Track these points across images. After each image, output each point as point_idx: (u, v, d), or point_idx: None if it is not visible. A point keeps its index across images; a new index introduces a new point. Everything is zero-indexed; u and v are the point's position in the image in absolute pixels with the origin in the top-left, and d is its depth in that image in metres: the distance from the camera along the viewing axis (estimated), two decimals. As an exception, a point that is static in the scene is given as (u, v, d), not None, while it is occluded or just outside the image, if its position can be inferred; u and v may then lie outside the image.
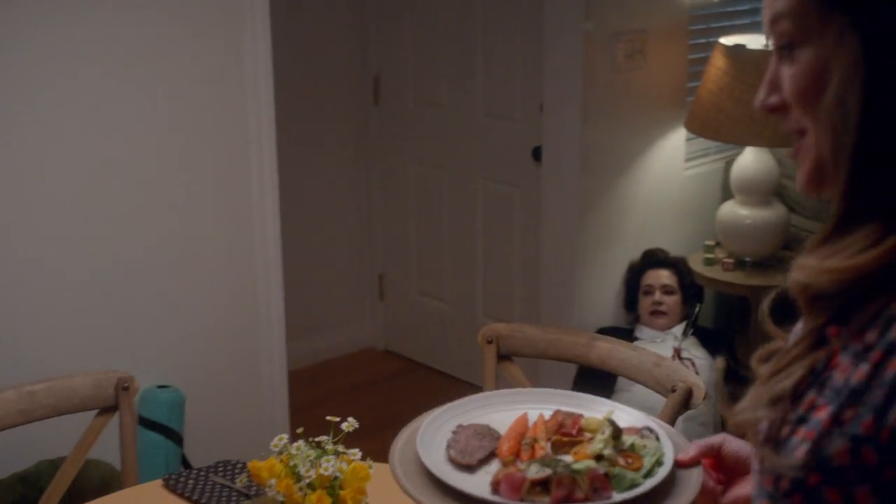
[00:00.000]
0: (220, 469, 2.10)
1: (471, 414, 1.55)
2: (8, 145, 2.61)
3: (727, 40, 3.69)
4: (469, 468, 1.41)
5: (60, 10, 2.63)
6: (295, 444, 1.69)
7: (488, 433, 1.48)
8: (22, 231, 2.66)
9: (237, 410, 3.07)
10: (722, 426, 3.61)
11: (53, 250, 2.71)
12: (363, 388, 4.45)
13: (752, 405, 0.94)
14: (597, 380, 3.65)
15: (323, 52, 4.44)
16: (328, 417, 1.74)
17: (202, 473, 2.08)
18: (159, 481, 2.07)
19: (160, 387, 2.83)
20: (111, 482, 2.56)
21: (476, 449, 1.43)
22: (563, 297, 3.82)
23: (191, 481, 2.06)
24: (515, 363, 2.49)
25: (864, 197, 0.88)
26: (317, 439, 1.70)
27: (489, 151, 4.16)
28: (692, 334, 3.77)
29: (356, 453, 1.69)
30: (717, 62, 3.64)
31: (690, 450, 1.32)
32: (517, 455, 1.43)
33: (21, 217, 2.65)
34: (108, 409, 2.27)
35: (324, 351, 4.69)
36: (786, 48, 0.92)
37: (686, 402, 2.22)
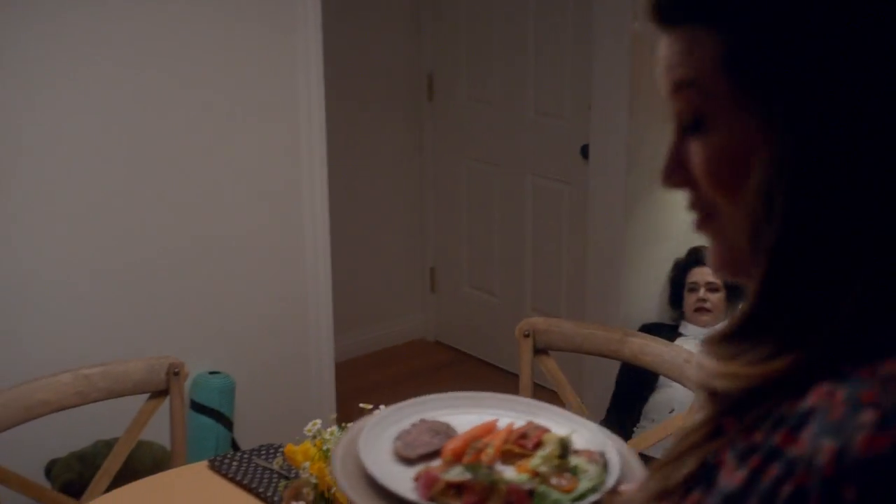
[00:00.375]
0: (263, 452, 2.20)
1: (442, 411, 1.56)
2: (72, 141, 2.74)
3: (775, 41, 3.72)
4: (409, 461, 1.42)
5: (116, 7, 2.75)
6: (329, 430, 1.78)
7: (444, 431, 1.49)
8: (82, 224, 2.79)
9: (286, 397, 3.18)
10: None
11: (112, 243, 2.84)
12: (413, 378, 4.55)
13: (639, 497, 0.84)
14: (639, 376, 3.71)
15: (379, 50, 4.54)
16: (361, 405, 1.84)
17: (245, 456, 2.19)
18: (205, 462, 2.18)
19: (212, 373, 2.95)
20: (163, 462, 2.68)
21: (422, 444, 1.44)
22: (608, 292, 3.88)
23: (234, 463, 2.17)
24: (552, 357, 2.57)
25: (778, 300, 0.77)
26: (349, 425, 1.79)
27: (539, 149, 4.23)
28: (736, 332, 3.81)
29: (386, 439, 1.77)
30: (765, 63, 3.67)
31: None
32: (460, 457, 1.42)
33: (82, 211, 2.78)
34: (159, 393, 2.38)
35: (376, 341, 4.80)
36: (692, 124, 0.79)
37: (714, 397, 2.28)
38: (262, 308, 3.11)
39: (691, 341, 3.78)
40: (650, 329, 3.92)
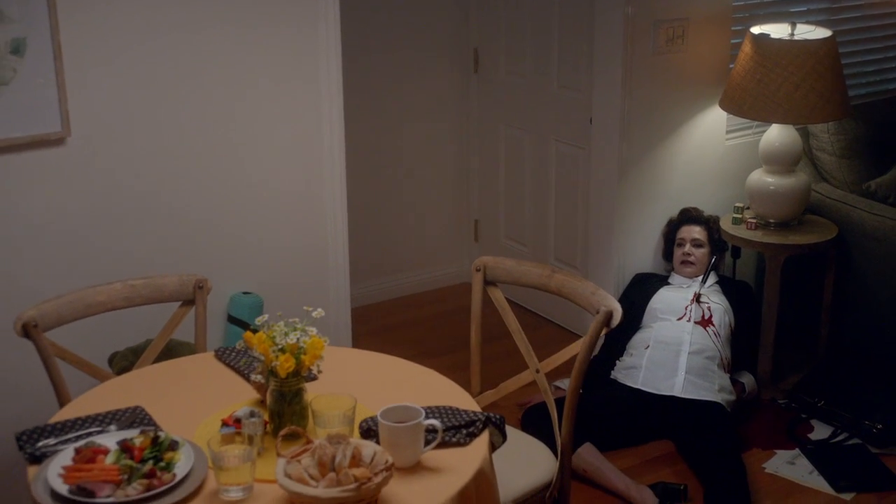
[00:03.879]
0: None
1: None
2: (156, 111, 3.45)
3: (756, 29, 4.23)
4: None
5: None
6: (278, 323, 2.47)
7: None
8: (149, 168, 3.51)
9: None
10: (728, 362, 4.20)
11: (172, 183, 3.55)
12: (454, 315, 5.21)
13: None
14: (627, 319, 4.30)
15: (433, 28, 5.19)
16: (305, 308, 2.52)
17: (242, 350, 2.87)
18: (212, 353, 2.90)
19: (245, 293, 3.67)
20: (198, 359, 3.40)
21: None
22: (604, 244, 4.48)
23: (233, 354, 2.87)
24: (499, 288, 3.21)
25: None
26: (291, 320, 2.47)
27: (560, 118, 4.83)
28: (716, 283, 4.37)
29: (313, 331, 2.45)
30: (746, 48, 4.19)
31: None
32: None
33: (148, 158, 3.50)
34: (188, 302, 3.11)
35: (427, 283, 5.50)
36: None
37: (608, 321, 2.88)
38: (288, 247, 3.76)
39: (675, 289, 4.36)
40: (643, 277, 4.52)
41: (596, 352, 4.38)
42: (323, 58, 3.66)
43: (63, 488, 2.22)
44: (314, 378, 2.69)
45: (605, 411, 4.07)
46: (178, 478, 2.26)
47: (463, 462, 2.37)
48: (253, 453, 2.26)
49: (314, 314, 2.53)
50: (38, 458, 2.37)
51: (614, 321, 2.90)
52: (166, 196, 3.52)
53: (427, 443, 2.38)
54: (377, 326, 5.00)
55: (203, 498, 2.25)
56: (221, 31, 3.48)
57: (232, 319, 3.64)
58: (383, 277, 5.39)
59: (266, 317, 2.49)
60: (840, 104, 4.13)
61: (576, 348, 2.98)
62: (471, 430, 2.48)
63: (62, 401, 2.82)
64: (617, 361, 4.27)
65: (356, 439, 2.32)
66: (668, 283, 4.41)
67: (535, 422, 3.79)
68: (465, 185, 5.49)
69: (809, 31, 4.20)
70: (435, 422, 2.40)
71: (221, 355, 2.87)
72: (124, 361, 3.30)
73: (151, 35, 3.36)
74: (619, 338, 4.33)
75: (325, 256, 3.84)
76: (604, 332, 2.91)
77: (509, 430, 3.19)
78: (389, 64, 5.12)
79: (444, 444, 2.41)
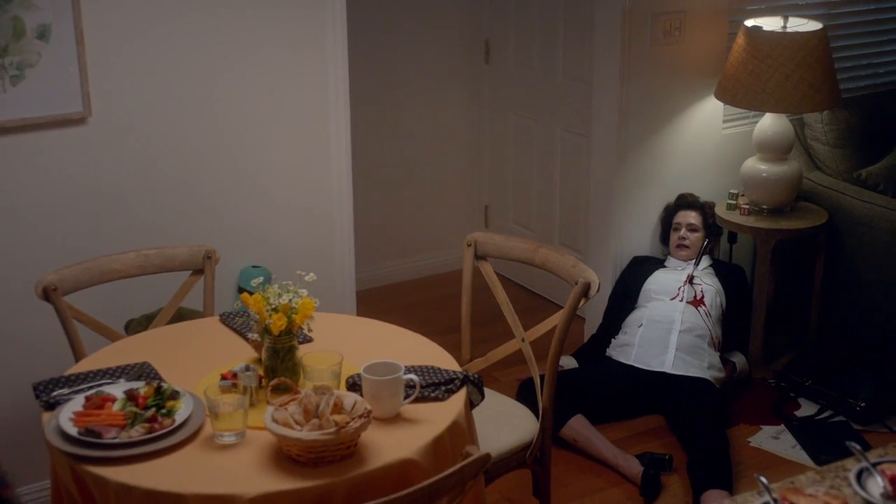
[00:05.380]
0: (258, 312, 3.11)
1: None
2: (171, 93, 3.67)
3: (750, 21, 4.40)
4: None
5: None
6: (273, 285, 2.68)
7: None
8: (164, 145, 3.73)
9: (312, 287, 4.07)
10: (718, 341, 4.38)
11: (186, 161, 3.76)
12: (461, 297, 5.41)
13: None
14: (622, 299, 4.51)
15: (446, 21, 5.40)
16: (298, 272, 2.74)
17: (246, 313, 3.09)
18: (217, 317, 3.12)
19: (254, 266, 3.89)
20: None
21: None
22: (603, 228, 4.66)
23: (237, 317, 3.09)
24: (489, 262, 3.41)
25: None
26: (285, 282, 2.69)
27: (566, 107, 5.02)
28: (710, 266, 4.54)
29: (304, 293, 2.66)
30: (739, 40, 4.36)
31: None
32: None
33: (163, 136, 3.72)
34: (198, 272, 3.33)
35: (439, 265, 5.71)
36: None
37: (585, 291, 3.07)
38: (296, 225, 3.96)
39: (670, 271, 4.53)
40: (640, 260, 4.70)
41: (594, 330, 4.64)
42: (330, 42, 3.86)
43: (73, 430, 2.44)
44: (310, 340, 2.91)
45: (598, 385, 4.26)
46: (177, 423, 2.48)
47: (439, 415, 2.57)
48: (245, 402, 2.48)
49: (306, 278, 2.74)
50: (52, 406, 2.60)
51: (591, 292, 3.09)
52: (180, 172, 3.74)
53: (406, 396, 2.59)
54: (386, 307, 5.19)
55: (199, 442, 2.47)
56: (233, 15, 3.68)
57: (242, 291, 3.86)
58: (394, 261, 5.61)
59: (262, 279, 2.71)
60: (829, 94, 4.29)
61: (556, 319, 3.17)
62: (449, 387, 2.68)
63: (78, 359, 3.05)
64: (612, 339, 4.46)
65: (339, 390, 2.54)
66: (663, 266, 4.58)
67: (529, 393, 3.99)
68: (476, 172, 5.69)
69: (801, 24, 4.37)
70: (413, 376, 2.61)
71: (226, 319, 3.09)
72: (139, 328, 3.52)
73: (167, 20, 3.58)
74: (615, 317, 4.53)
75: (331, 236, 4.05)
76: (583, 302, 3.10)
77: (502, 397, 3.42)
78: (404, 54, 5.33)
79: (423, 399, 2.61)
